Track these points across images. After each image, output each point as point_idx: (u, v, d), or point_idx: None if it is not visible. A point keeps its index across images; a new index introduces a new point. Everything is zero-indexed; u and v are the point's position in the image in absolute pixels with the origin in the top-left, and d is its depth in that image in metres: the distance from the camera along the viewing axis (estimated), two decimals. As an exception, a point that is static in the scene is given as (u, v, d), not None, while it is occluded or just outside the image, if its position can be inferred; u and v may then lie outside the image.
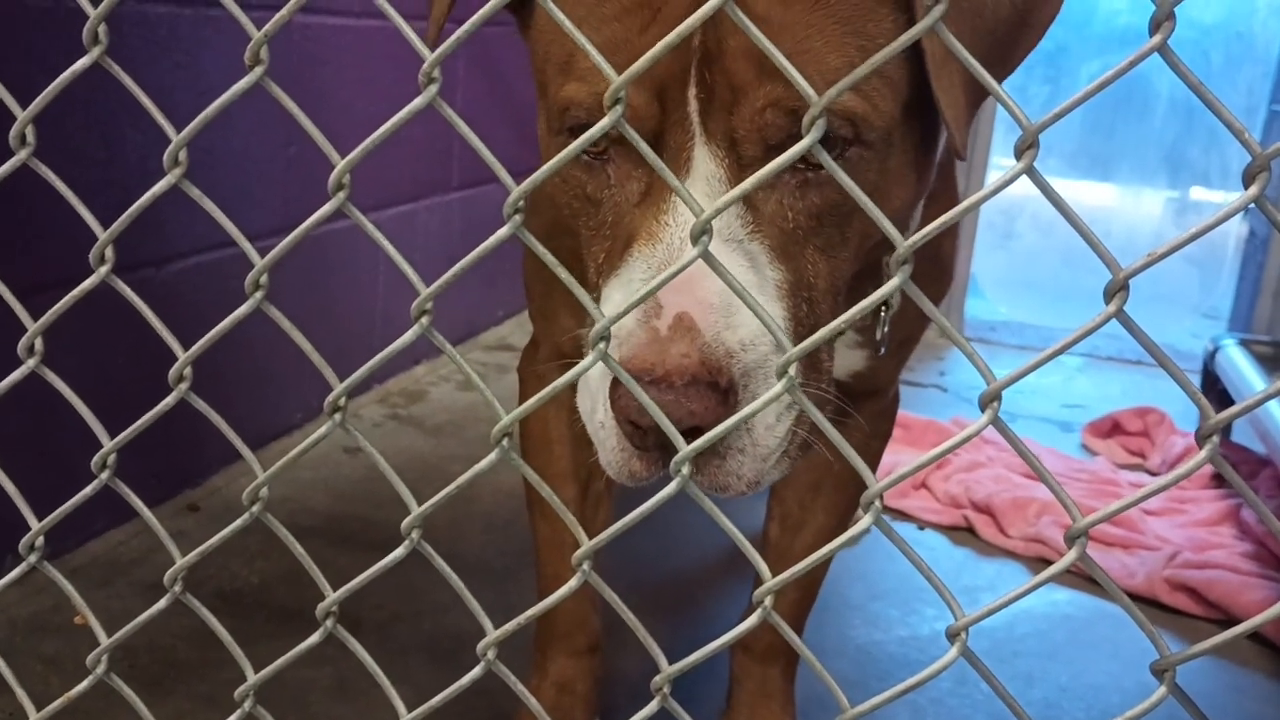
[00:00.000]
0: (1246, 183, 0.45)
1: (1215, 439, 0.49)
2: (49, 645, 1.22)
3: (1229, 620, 1.51)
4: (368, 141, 0.51)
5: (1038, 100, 3.06)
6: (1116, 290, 0.48)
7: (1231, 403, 2.01)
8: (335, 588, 0.64)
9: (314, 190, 1.78)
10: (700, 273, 0.54)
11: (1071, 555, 0.51)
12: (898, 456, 1.94)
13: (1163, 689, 0.51)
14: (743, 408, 0.61)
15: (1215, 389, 2.12)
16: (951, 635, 0.53)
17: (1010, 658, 1.39)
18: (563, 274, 0.52)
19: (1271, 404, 1.76)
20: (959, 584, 1.58)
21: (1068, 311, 3.02)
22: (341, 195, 0.51)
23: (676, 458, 0.55)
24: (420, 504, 0.58)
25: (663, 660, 0.57)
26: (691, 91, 0.66)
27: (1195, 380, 2.20)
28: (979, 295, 3.13)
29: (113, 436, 0.66)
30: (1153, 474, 2.04)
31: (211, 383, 1.54)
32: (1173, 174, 3.12)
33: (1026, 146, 0.47)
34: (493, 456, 0.55)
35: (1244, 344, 2.11)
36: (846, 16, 0.66)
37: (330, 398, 0.54)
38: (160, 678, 1.19)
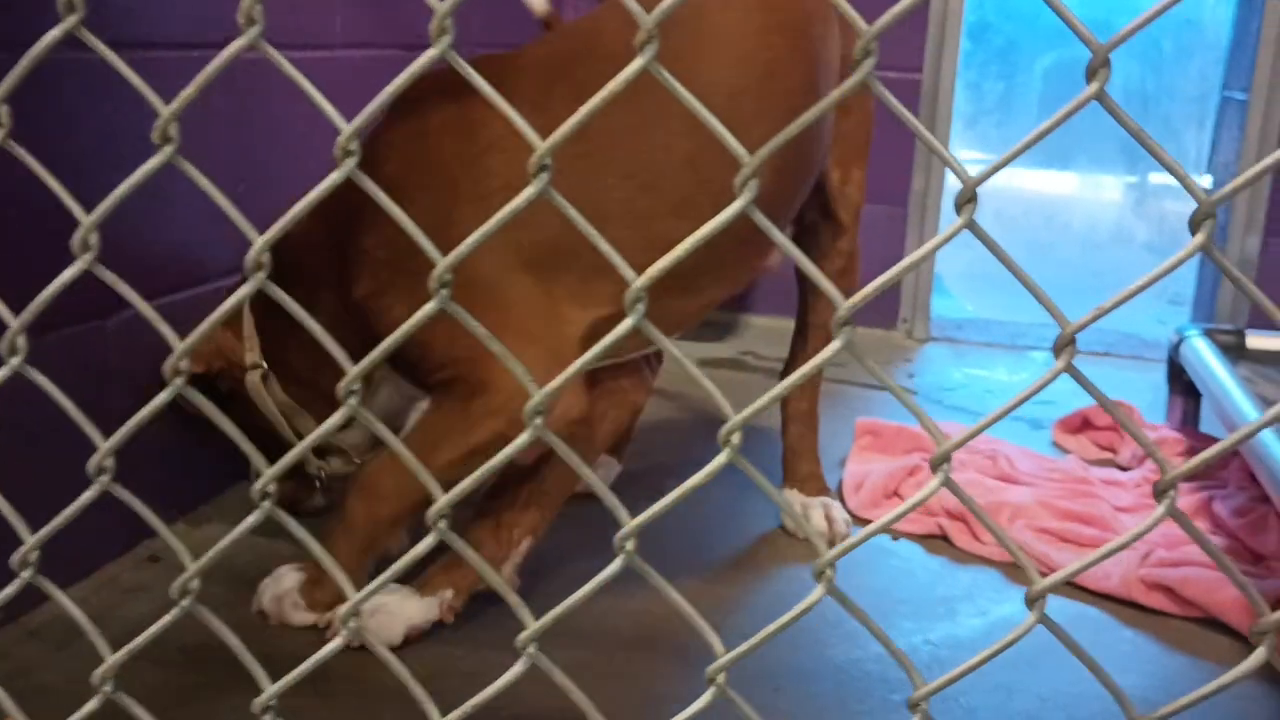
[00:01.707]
0: (1193, 229, 0.44)
1: (1173, 494, 0.48)
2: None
3: (1206, 618, 1.50)
4: (284, 219, 0.49)
5: (993, 96, 3.07)
6: (1065, 345, 0.46)
7: (1197, 395, 2.02)
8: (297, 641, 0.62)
9: (267, 225, 1.74)
10: None
11: (1030, 620, 0.49)
12: (869, 465, 1.93)
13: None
14: None
15: (1181, 380, 2.13)
16: (912, 706, 0.51)
17: (989, 669, 1.36)
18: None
19: (1238, 396, 1.76)
20: (935, 594, 1.57)
21: (1034, 307, 3.02)
22: (260, 275, 0.49)
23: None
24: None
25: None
26: None
27: (1161, 372, 2.21)
28: (945, 294, 3.13)
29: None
30: (1123, 469, 2.04)
31: (170, 431, 1.52)
32: (1130, 163, 3.13)
33: (965, 200, 0.46)
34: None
35: (1208, 334, 2.11)
36: None
37: (257, 485, 0.52)
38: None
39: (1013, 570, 1.64)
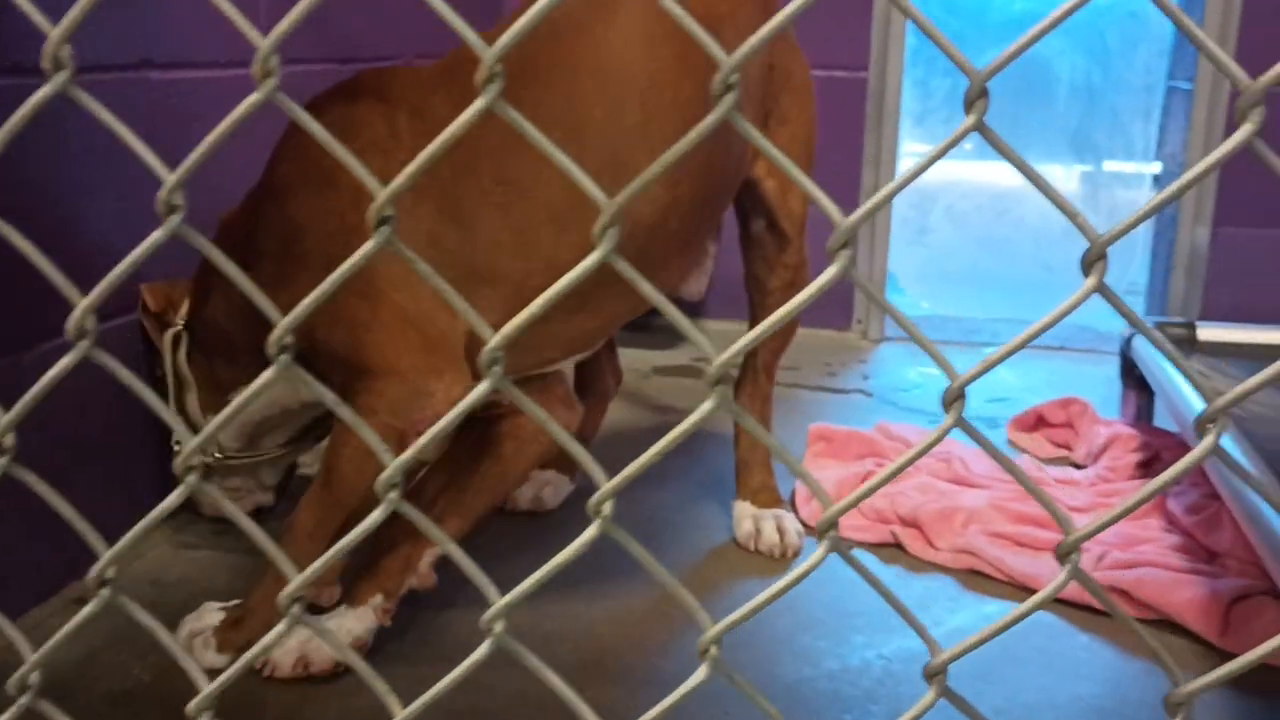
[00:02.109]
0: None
1: (1222, 421, 0.44)
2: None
3: (1162, 620, 1.48)
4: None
5: (940, 93, 3.05)
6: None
7: (1149, 391, 2.01)
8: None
9: (192, 254, 1.70)
10: None
11: (1063, 577, 0.45)
12: (822, 473, 1.90)
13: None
14: None
15: (1134, 375, 2.12)
16: (930, 675, 0.48)
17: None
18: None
19: (1189, 392, 1.75)
20: (888, 606, 1.54)
21: (989, 302, 3.01)
22: (175, 219, 0.46)
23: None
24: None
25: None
26: None
27: (1114, 365, 2.20)
28: (899, 291, 3.12)
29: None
30: (1078, 466, 2.02)
31: (104, 452, 1.47)
32: (1079, 155, 3.13)
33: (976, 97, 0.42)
34: (592, 530, 0.50)
35: (1158, 327, 2.10)
36: None
37: (179, 460, 0.48)
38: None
39: (967, 579, 1.62)
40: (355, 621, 1.34)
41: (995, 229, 3.08)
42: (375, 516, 0.49)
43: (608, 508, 0.44)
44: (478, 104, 0.38)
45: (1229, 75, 0.41)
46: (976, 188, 3.18)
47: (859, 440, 2.02)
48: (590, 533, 0.45)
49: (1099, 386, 2.43)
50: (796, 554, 1.66)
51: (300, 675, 1.30)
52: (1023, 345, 0.43)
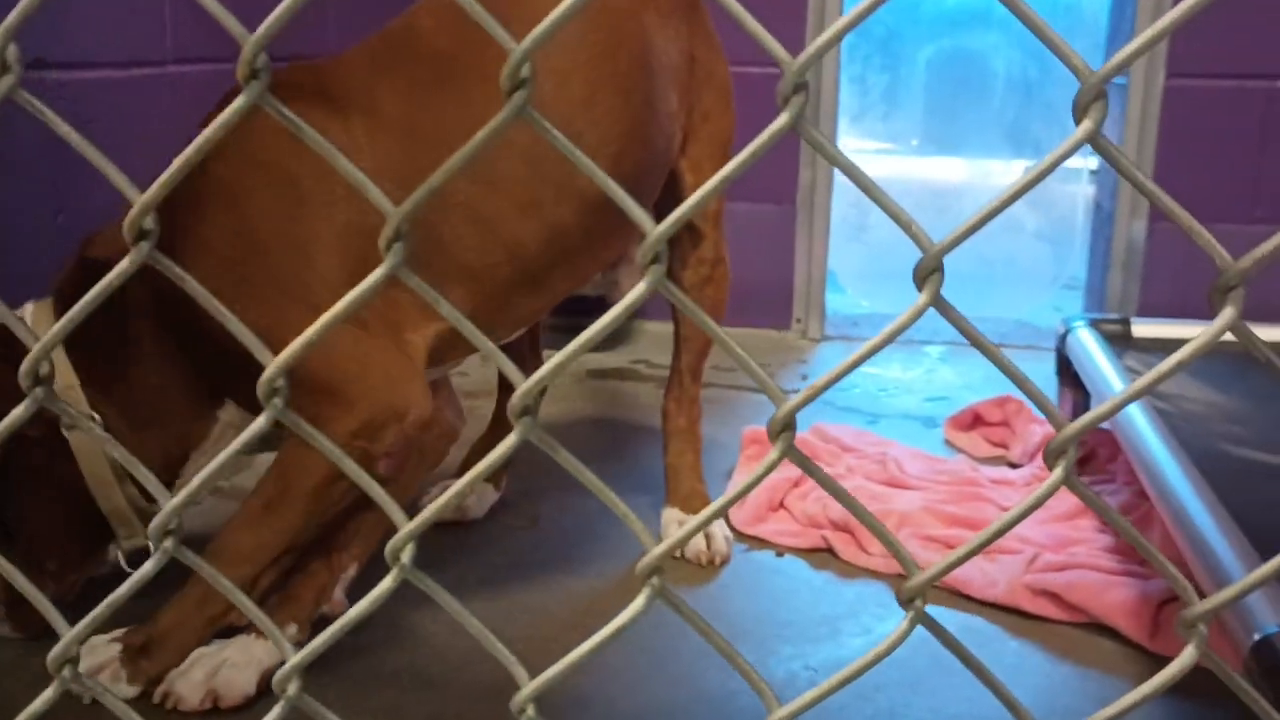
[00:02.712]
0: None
1: (1069, 455, 0.41)
2: None
3: (1093, 623, 1.46)
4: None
5: (877, 88, 3.03)
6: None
7: (1084, 388, 1.99)
8: None
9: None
10: None
11: (1189, 653, 0.41)
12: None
13: None
14: None
15: (1069, 372, 2.10)
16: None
17: (872, 693, 1.32)
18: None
19: (1119, 390, 1.73)
20: (818, 613, 1.51)
21: (928, 298, 2.99)
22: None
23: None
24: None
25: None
26: None
27: (1050, 363, 2.18)
28: (839, 290, 3.09)
29: None
30: (1014, 465, 2.00)
31: None
32: (1017, 149, 3.12)
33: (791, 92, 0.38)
34: (387, 582, 0.45)
35: (1094, 324, 2.09)
36: None
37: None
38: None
39: (898, 583, 1.58)
40: (263, 650, 1.28)
41: (934, 226, 3.05)
42: (387, 585, 0.41)
43: (407, 554, 0.39)
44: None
45: (1071, 67, 0.37)
46: (916, 185, 3.16)
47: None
48: (386, 584, 0.40)
49: (1037, 383, 2.41)
50: (725, 561, 1.62)
51: (207, 709, 1.24)
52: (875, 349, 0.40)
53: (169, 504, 0.41)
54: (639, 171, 1.42)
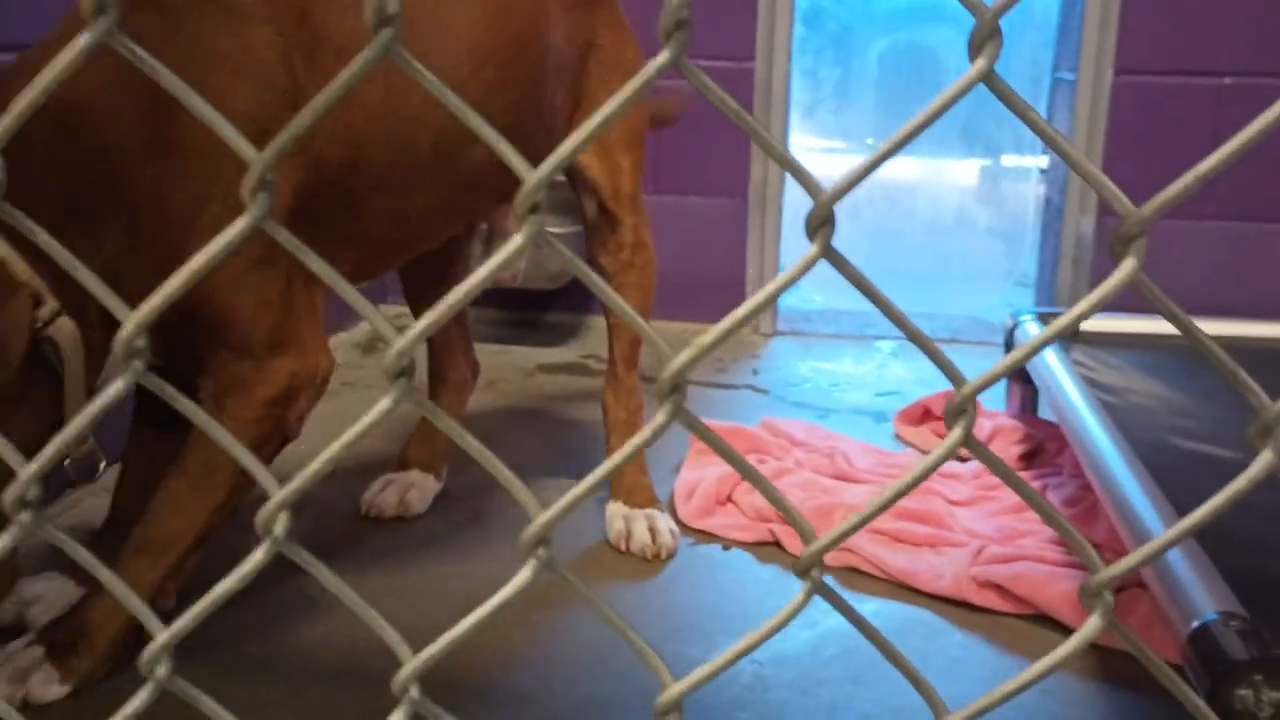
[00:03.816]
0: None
1: (969, 414, 0.39)
2: None
3: (1039, 615, 1.45)
4: None
5: (829, 82, 3.02)
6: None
7: (1031, 381, 1.99)
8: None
9: None
10: None
11: (1094, 622, 0.39)
12: (703, 471, 1.85)
13: None
14: None
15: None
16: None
17: (814, 688, 1.31)
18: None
19: (1066, 383, 1.73)
20: (765, 606, 1.49)
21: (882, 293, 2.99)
22: None
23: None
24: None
25: None
26: None
27: (1000, 357, 2.18)
28: (793, 286, 3.08)
29: None
30: (963, 459, 2.00)
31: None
32: (969, 147, 3.13)
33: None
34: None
35: (1041, 318, 2.09)
36: None
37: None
38: None
39: (845, 576, 1.57)
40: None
41: (887, 221, 3.07)
42: (257, 558, 0.39)
43: (280, 525, 0.37)
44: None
45: (966, 4, 0.35)
46: (870, 181, 3.15)
47: (742, 437, 1.97)
48: (257, 556, 0.37)
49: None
50: (670, 554, 1.60)
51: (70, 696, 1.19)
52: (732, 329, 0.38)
53: (27, 471, 0.38)
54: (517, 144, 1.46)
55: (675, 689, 0.41)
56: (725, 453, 0.41)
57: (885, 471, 1.89)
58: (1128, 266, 0.30)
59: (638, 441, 0.38)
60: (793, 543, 1.64)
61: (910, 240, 3.10)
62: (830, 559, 1.60)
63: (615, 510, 1.65)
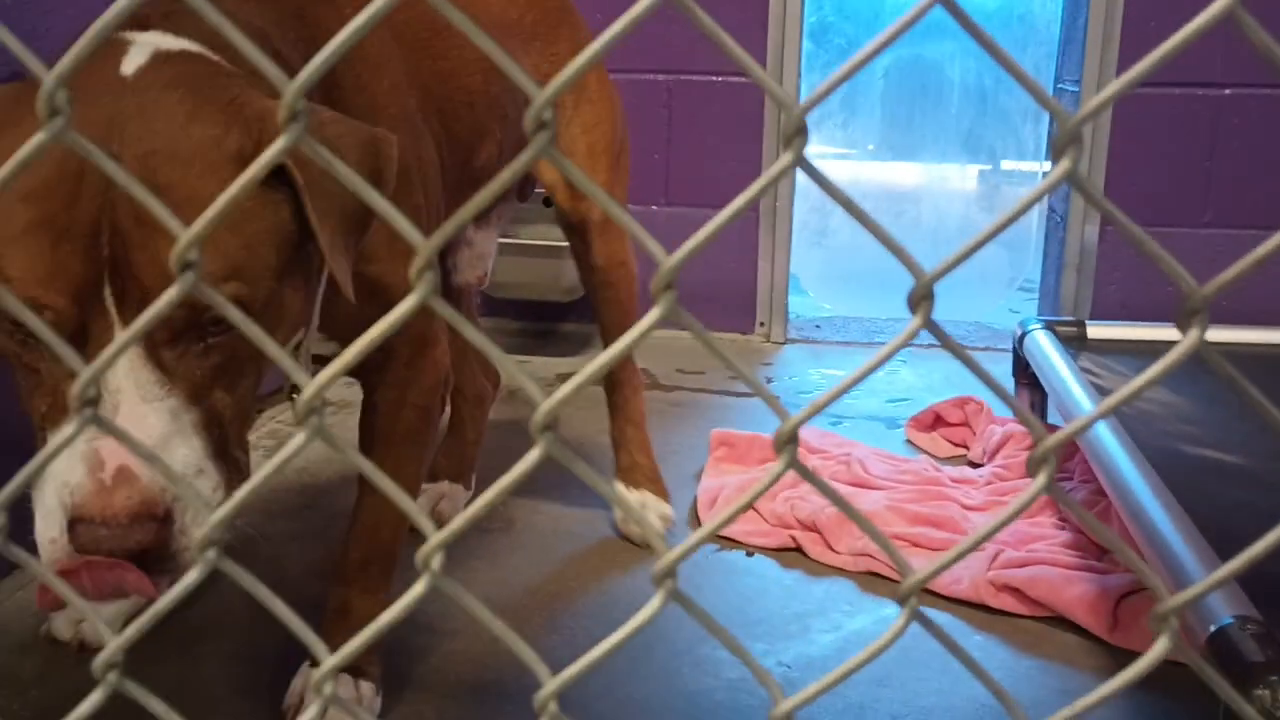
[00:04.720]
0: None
1: (1051, 463, 0.44)
2: None
3: (1054, 617, 1.51)
4: None
5: (836, 96, 3.08)
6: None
7: (1041, 389, 2.04)
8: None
9: None
10: (134, 429, 0.81)
11: (1163, 643, 0.43)
12: (723, 478, 1.90)
13: None
14: (178, 523, 0.83)
15: (1026, 373, 2.15)
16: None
17: (842, 689, 1.36)
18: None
19: (1076, 390, 1.78)
20: (788, 611, 1.55)
21: (890, 302, 3.04)
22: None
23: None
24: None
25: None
26: (107, 293, 0.82)
27: (1007, 363, 2.24)
28: (801, 294, 3.14)
29: None
30: (974, 465, 2.05)
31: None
32: (972, 156, 3.18)
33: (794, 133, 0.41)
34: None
35: (1049, 326, 2.14)
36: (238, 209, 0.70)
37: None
38: None
39: (866, 581, 1.63)
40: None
41: (893, 229, 3.10)
42: (418, 590, 0.44)
43: (436, 561, 0.42)
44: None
45: (1050, 110, 0.40)
46: (874, 189, 3.22)
47: (761, 445, 2.03)
48: (418, 589, 0.42)
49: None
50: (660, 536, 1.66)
51: None
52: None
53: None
54: (462, 163, 1.46)
55: (786, 705, 0.46)
56: (825, 490, 0.46)
57: (900, 477, 1.94)
58: (1192, 338, 0.35)
59: (758, 489, 0.43)
60: (814, 548, 1.70)
61: (913, 247, 3.12)
62: (851, 564, 1.65)
63: (616, 491, 1.71)
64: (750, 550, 1.72)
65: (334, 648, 1.32)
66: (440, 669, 1.37)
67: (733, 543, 1.74)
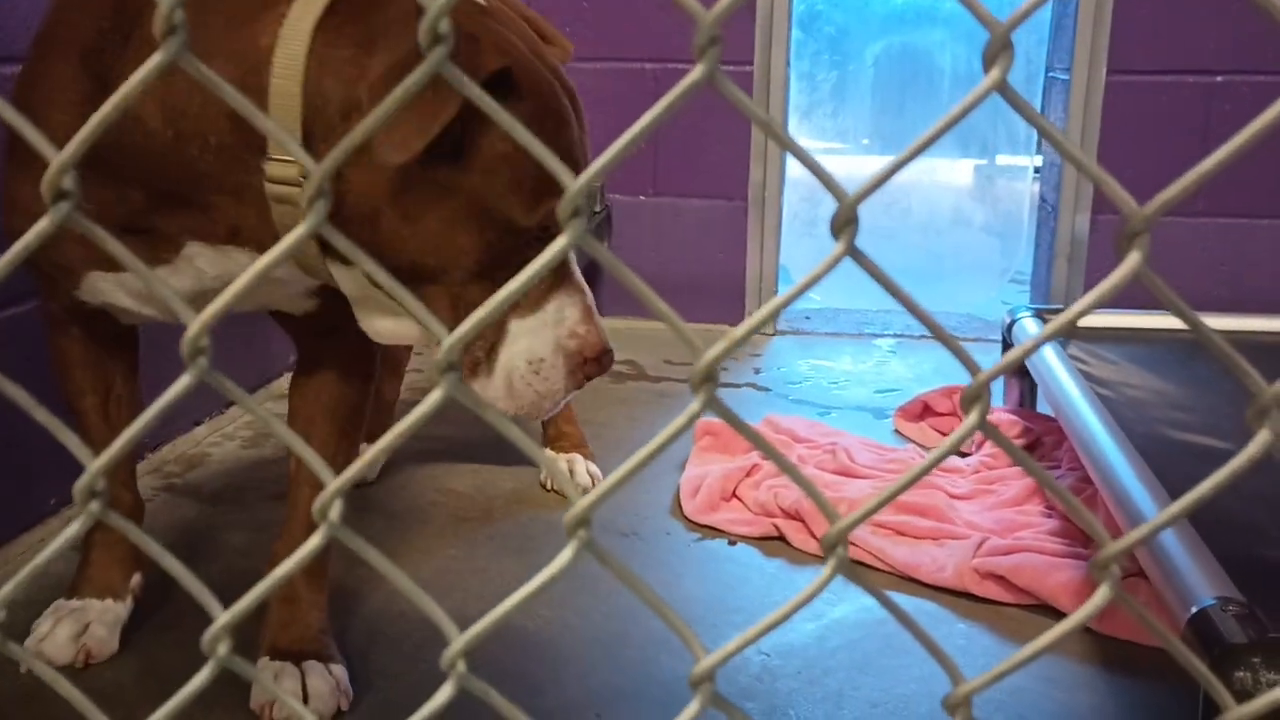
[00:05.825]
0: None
1: (984, 400, 0.41)
2: None
3: (1040, 605, 1.49)
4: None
5: (826, 85, 3.05)
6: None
7: (1029, 376, 2.02)
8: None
9: None
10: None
11: (1103, 592, 0.41)
12: (707, 468, 1.88)
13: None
14: None
15: (1016, 362, 2.13)
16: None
17: (821, 677, 1.34)
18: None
19: (1064, 378, 1.76)
20: (770, 600, 1.52)
21: (879, 293, 3.02)
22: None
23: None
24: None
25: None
26: None
27: (998, 352, 2.21)
28: (790, 284, 3.11)
29: None
30: (962, 454, 2.03)
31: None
32: (964, 147, 3.16)
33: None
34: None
35: (1038, 314, 2.12)
36: None
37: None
38: None
39: (849, 569, 1.60)
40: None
41: (883, 221, 3.10)
42: (314, 543, 0.41)
43: (334, 511, 0.39)
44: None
45: (979, 18, 0.38)
46: (864, 180, 3.19)
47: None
48: (314, 541, 0.40)
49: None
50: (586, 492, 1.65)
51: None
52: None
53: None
54: None
55: (707, 661, 0.44)
56: (754, 439, 0.44)
57: (886, 467, 1.92)
58: (1132, 261, 0.33)
59: (671, 430, 0.41)
60: (797, 537, 1.67)
61: (907, 239, 3.13)
62: (834, 552, 1.63)
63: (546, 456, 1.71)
64: (733, 539, 1.70)
65: (287, 636, 1.29)
66: (413, 656, 1.35)
67: (715, 531, 1.71)
